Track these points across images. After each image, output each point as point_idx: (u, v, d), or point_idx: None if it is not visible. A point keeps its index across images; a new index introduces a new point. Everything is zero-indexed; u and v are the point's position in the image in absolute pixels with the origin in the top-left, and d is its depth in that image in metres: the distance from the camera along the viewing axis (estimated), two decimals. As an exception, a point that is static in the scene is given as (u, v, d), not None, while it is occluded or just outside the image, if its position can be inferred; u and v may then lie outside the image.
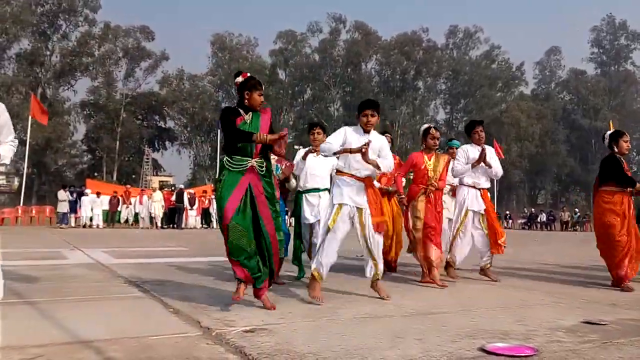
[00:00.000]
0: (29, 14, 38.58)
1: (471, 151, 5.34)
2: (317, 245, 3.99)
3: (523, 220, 34.82)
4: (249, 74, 3.69)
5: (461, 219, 5.32)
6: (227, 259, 3.50)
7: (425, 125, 5.32)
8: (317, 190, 4.93)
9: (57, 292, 4.17)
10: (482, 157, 5.19)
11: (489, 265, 5.37)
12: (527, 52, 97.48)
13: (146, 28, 45.53)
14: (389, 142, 5.85)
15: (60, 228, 18.83)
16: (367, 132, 3.98)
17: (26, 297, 3.86)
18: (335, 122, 45.56)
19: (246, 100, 3.57)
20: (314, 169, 4.93)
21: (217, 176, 3.73)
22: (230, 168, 3.45)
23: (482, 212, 5.33)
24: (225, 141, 3.56)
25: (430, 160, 5.03)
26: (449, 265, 5.40)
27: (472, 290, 4.70)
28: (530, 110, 49.84)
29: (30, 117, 23.48)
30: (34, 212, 23.54)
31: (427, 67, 50.39)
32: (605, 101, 53.78)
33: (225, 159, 3.52)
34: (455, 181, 5.73)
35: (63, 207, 19.90)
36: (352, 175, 3.91)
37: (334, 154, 3.87)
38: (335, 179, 4.01)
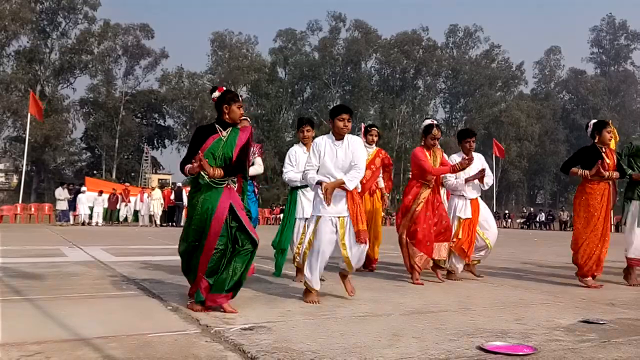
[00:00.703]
0: (28, 11, 38.48)
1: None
2: (302, 258, 3.94)
3: (522, 220, 34.83)
4: (224, 88, 3.59)
5: (455, 228, 5.26)
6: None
7: (428, 122, 5.28)
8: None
9: (56, 289, 4.17)
10: (480, 174, 5.23)
11: (475, 262, 5.45)
12: (527, 51, 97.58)
13: (146, 26, 45.49)
14: (375, 136, 5.90)
15: (60, 226, 18.83)
16: (340, 137, 3.88)
17: (25, 294, 3.86)
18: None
19: (226, 115, 3.44)
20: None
21: (191, 187, 3.53)
22: (205, 185, 3.33)
23: (466, 218, 5.30)
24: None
25: (431, 157, 5.13)
26: (450, 273, 5.32)
27: (470, 289, 4.71)
28: (530, 110, 49.87)
29: (29, 115, 23.46)
30: (32, 209, 23.52)
31: (427, 66, 50.36)
32: (604, 101, 53.84)
33: (201, 172, 3.29)
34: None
35: (61, 205, 19.87)
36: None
37: (316, 183, 3.79)
38: (316, 189, 3.85)
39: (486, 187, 5.38)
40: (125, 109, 44.76)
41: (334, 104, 50.93)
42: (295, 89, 50.48)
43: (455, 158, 5.32)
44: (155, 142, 48.98)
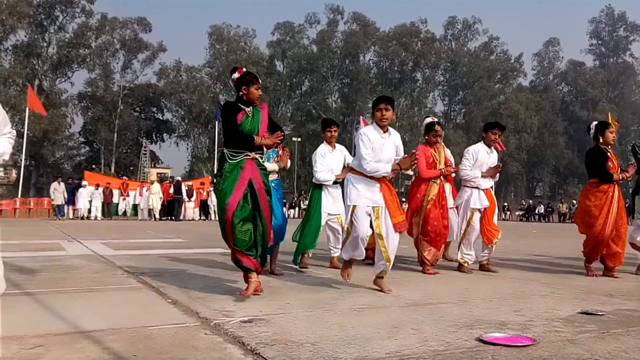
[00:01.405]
0: (25, 5, 38.26)
1: (481, 152, 5.26)
2: (342, 246, 4.10)
3: (521, 212, 34.92)
4: (245, 69, 3.75)
5: (467, 219, 5.26)
6: (223, 250, 3.52)
7: (429, 120, 5.42)
8: (337, 182, 5.13)
9: (55, 283, 4.17)
10: (496, 170, 5.28)
11: (485, 262, 5.38)
12: (526, 43, 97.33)
13: (143, 19, 45.31)
14: None
15: (58, 220, 18.84)
16: (383, 127, 3.91)
17: (25, 288, 3.87)
18: (333, 114, 45.49)
19: (244, 95, 3.63)
20: (334, 163, 5.17)
21: (216, 169, 3.81)
22: (230, 160, 3.56)
23: (483, 209, 5.28)
24: (226, 136, 3.62)
25: (436, 152, 5.31)
26: (460, 265, 5.30)
27: (469, 281, 4.71)
28: (529, 102, 49.83)
29: (27, 109, 23.38)
30: (32, 204, 23.52)
31: (426, 59, 50.23)
32: (603, 93, 53.79)
33: (225, 151, 3.59)
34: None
35: (58, 199, 19.86)
36: (368, 177, 3.87)
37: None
38: (349, 177, 3.96)
39: (495, 180, 5.48)
40: (123, 103, 44.65)
41: (333, 98, 51.01)
42: (294, 82, 50.35)
43: (479, 149, 5.30)
44: (153, 136, 48.93)
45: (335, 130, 5.19)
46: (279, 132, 3.67)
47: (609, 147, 5.18)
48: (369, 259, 5.92)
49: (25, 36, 40.87)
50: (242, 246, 3.46)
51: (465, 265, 5.24)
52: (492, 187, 5.43)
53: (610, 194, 5.05)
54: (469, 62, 51.73)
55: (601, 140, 5.14)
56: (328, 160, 5.13)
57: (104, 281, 4.35)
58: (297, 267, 5.18)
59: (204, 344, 2.40)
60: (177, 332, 2.62)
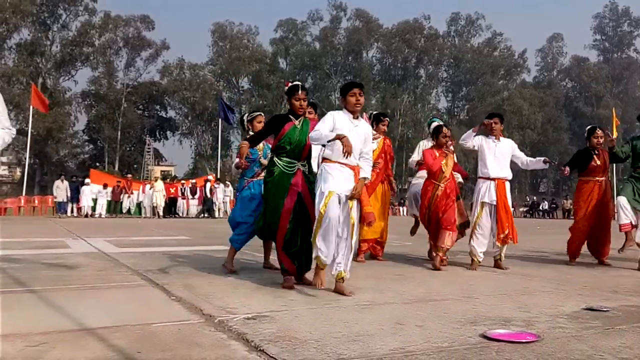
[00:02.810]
0: (28, 3, 38.30)
1: (485, 140, 5.45)
2: (314, 236, 3.67)
3: (525, 209, 34.82)
4: (290, 82, 4.01)
5: (477, 212, 5.31)
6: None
7: (435, 123, 5.55)
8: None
9: (60, 280, 4.19)
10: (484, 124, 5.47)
11: (497, 257, 5.36)
12: (529, 39, 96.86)
13: (146, 17, 45.26)
14: (385, 125, 5.99)
15: (59, 217, 18.92)
16: (355, 114, 3.75)
17: (29, 285, 3.88)
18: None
19: (290, 107, 3.91)
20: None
21: (266, 172, 4.07)
22: (282, 169, 3.84)
23: (494, 203, 5.25)
24: (273, 145, 3.98)
25: (440, 156, 5.38)
26: (472, 261, 5.30)
27: (472, 277, 4.71)
28: (533, 98, 49.58)
29: (31, 107, 23.46)
30: (36, 202, 23.63)
31: (429, 55, 50.02)
32: (607, 88, 53.47)
33: (275, 159, 3.89)
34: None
35: (60, 197, 19.98)
36: (342, 163, 3.66)
37: (328, 141, 3.58)
38: (323, 167, 3.72)
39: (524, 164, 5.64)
40: (126, 100, 44.68)
41: (335, 95, 50.82)
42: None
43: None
44: (157, 133, 48.95)
45: (309, 112, 4.58)
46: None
47: (597, 150, 5.80)
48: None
49: (28, 35, 40.97)
50: (286, 248, 3.80)
51: (476, 262, 5.24)
52: (506, 181, 5.38)
53: (596, 191, 5.71)
54: (473, 58, 51.52)
55: (588, 143, 5.89)
56: None
57: (109, 279, 4.36)
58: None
59: (208, 341, 2.40)
60: (182, 329, 2.63)
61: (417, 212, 6.01)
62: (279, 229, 3.77)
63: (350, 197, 3.64)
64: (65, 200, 20.12)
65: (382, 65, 51.69)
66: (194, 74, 47.23)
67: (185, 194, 21.96)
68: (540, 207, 33.92)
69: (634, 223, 5.38)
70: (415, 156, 6.15)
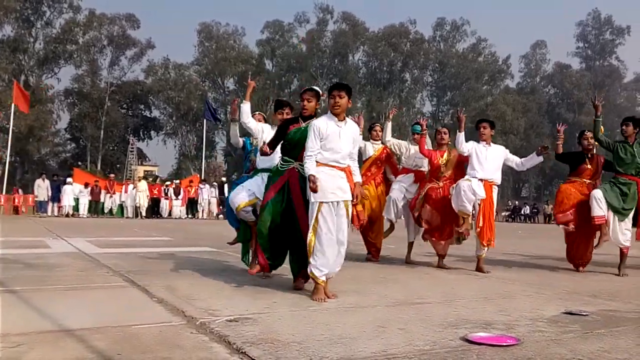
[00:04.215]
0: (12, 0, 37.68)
1: (477, 146, 5.51)
2: (310, 250, 3.61)
3: (507, 213, 35.22)
4: (307, 87, 4.08)
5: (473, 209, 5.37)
6: (210, 248, 3.50)
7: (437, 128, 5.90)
8: None
9: (40, 281, 4.11)
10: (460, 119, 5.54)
11: (480, 255, 5.41)
12: (513, 45, 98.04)
13: (132, 16, 44.76)
14: (379, 132, 6.08)
15: (40, 217, 18.60)
16: (338, 116, 3.72)
17: (8, 285, 3.80)
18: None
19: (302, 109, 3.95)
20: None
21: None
22: (278, 167, 3.96)
23: (479, 201, 5.23)
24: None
25: (442, 157, 5.55)
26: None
27: (454, 280, 4.75)
28: (516, 104, 50.25)
29: (13, 105, 23.03)
30: (16, 200, 23.17)
31: (414, 59, 50.37)
32: (589, 95, 54.34)
33: (279, 160, 4.01)
34: (418, 164, 6.05)
35: (41, 196, 19.70)
36: (331, 166, 3.64)
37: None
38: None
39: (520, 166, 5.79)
40: (110, 99, 44.13)
41: (321, 97, 50.86)
42: (283, 81, 50.17)
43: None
44: (141, 133, 48.41)
45: (287, 113, 4.65)
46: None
47: (589, 152, 5.76)
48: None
49: (11, 31, 40.17)
50: (259, 238, 3.83)
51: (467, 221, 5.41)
52: (494, 185, 5.43)
53: (583, 191, 5.59)
54: (457, 63, 52.02)
55: (580, 147, 5.85)
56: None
57: (89, 279, 4.30)
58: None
59: (190, 343, 2.38)
60: (163, 330, 2.60)
61: (393, 218, 5.96)
62: (261, 221, 3.81)
63: (355, 204, 3.98)
64: (46, 199, 19.82)
65: (368, 69, 51.90)
66: (179, 73, 46.86)
67: (169, 195, 21.77)
68: (522, 212, 34.36)
69: (607, 218, 5.30)
70: (403, 156, 6.24)
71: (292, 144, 3.87)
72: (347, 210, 3.67)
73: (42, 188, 19.80)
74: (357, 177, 3.84)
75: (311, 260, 3.57)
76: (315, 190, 3.51)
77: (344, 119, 3.77)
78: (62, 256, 5.96)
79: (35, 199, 20.27)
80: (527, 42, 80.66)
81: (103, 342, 2.34)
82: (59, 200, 20.18)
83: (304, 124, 3.88)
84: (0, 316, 2.85)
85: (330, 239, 3.56)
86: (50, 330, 2.57)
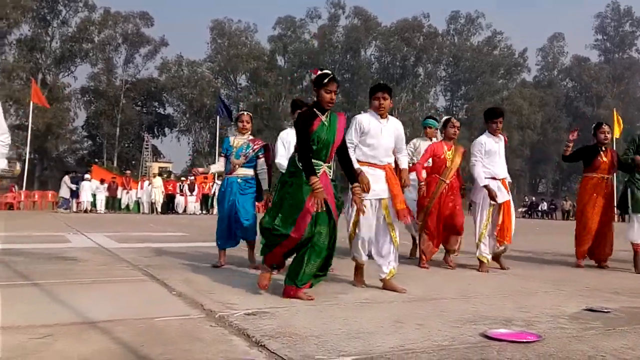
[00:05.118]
0: (29, -1, 38.25)
1: (488, 143, 5.12)
2: (350, 241, 3.91)
3: (524, 209, 34.83)
4: (319, 70, 3.50)
5: (487, 215, 5.06)
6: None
7: (445, 117, 5.54)
8: None
9: (62, 274, 4.20)
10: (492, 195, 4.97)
11: (499, 252, 5.22)
12: (530, 38, 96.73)
13: (145, 14, 45.14)
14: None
15: (61, 212, 18.94)
16: (382, 116, 3.91)
17: (32, 279, 3.89)
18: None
19: (317, 99, 3.46)
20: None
21: (286, 172, 3.62)
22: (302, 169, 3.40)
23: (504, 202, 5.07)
24: (299, 145, 3.42)
25: (449, 151, 5.23)
26: (482, 263, 5.10)
27: (471, 277, 4.71)
28: (533, 98, 49.57)
29: (31, 103, 23.40)
30: (36, 197, 23.63)
31: (428, 54, 49.93)
32: (608, 89, 53.48)
33: (297, 158, 3.39)
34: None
35: (65, 192, 20.11)
36: (371, 164, 3.82)
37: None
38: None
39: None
40: (125, 97, 44.60)
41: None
42: (295, 77, 50.16)
43: (485, 141, 5.15)
44: (155, 130, 48.86)
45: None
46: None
47: (604, 145, 5.65)
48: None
49: (29, 30, 40.80)
50: (297, 250, 3.43)
51: (486, 263, 5.05)
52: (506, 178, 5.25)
53: (600, 188, 5.54)
54: (472, 57, 51.44)
55: (595, 139, 5.71)
56: (292, 145, 4.66)
57: (110, 273, 4.37)
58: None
59: (210, 336, 2.41)
60: (183, 323, 2.64)
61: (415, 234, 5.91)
62: (295, 227, 3.31)
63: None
64: (68, 196, 20.33)
65: (381, 64, 51.61)
66: (192, 70, 47.13)
67: (184, 191, 21.96)
68: (539, 208, 33.92)
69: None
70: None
71: (321, 142, 3.39)
72: (385, 208, 3.80)
73: (66, 185, 20.36)
74: (404, 164, 4.09)
75: (352, 247, 3.89)
76: (368, 190, 3.63)
77: (387, 116, 3.95)
78: (82, 251, 6.07)
79: (60, 195, 20.75)
80: (544, 34, 79.43)
81: (126, 334, 2.39)
82: (77, 197, 20.52)
83: (324, 118, 3.43)
84: (25, 309, 2.91)
85: (367, 235, 3.81)
86: (74, 322, 2.62)
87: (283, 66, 49.92)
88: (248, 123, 4.96)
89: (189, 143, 49.68)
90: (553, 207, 33.51)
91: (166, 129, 49.33)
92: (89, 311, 2.82)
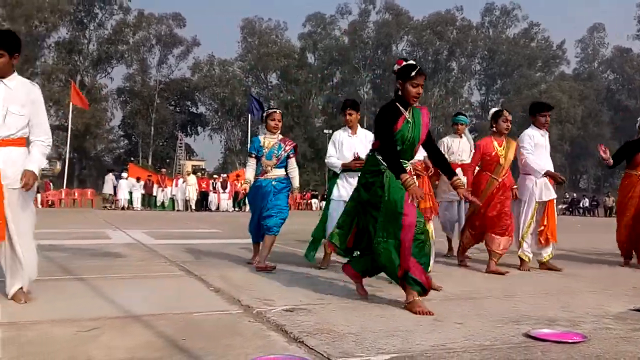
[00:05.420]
0: (66, 3, 39.49)
1: (536, 136, 4.88)
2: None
3: (564, 206, 33.81)
4: (405, 61, 3.19)
5: (532, 212, 4.84)
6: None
7: (495, 109, 5.03)
8: (355, 170, 4.64)
9: (104, 269, 4.33)
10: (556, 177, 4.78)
11: (546, 258, 4.95)
12: (568, 29, 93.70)
13: (178, 15, 46.12)
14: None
15: (109, 209, 19.87)
16: (350, 128, 4.40)
17: (76, 274, 4.01)
18: (365, 106, 45.19)
19: (401, 92, 3.13)
20: (352, 148, 4.66)
21: (366, 171, 3.25)
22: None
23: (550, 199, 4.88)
24: (382, 144, 3.12)
25: (500, 147, 4.73)
26: (523, 262, 4.89)
27: (512, 276, 4.59)
28: (572, 91, 48.06)
29: (71, 104, 24.17)
30: (76, 194, 24.44)
31: (461, 47, 49.12)
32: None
33: (378, 157, 3.11)
34: (463, 158, 5.71)
35: (109, 189, 21.08)
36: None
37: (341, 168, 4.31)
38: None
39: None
40: (159, 97, 45.66)
41: (364, 89, 50.61)
42: (325, 74, 50.16)
43: (534, 134, 4.86)
44: (188, 129, 49.84)
45: (349, 114, 4.67)
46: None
47: None
48: None
49: (66, 33, 42.30)
50: (418, 255, 2.99)
51: (528, 261, 4.86)
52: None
53: (638, 186, 5.33)
54: (508, 50, 50.27)
55: (638, 134, 5.54)
56: (343, 145, 4.63)
57: (149, 269, 4.48)
58: (309, 261, 4.67)
59: (249, 331, 2.44)
60: (222, 318, 2.68)
61: (450, 234, 5.83)
62: (405, 239, 2.95)
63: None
64: (112, 193, 21.17)
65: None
66: (223, 70, 47.81)
67: (217, 189, 22.30)
68: (580, 205, 32.87)
69: None
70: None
71: (406, 141, 3.10)
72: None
73: (109, 183, 21.19)
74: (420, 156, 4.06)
75: None
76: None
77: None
78: (122, 247, 6.24)
79: (105, 191, 21.56)
80: (584, 25, 76.89)
81: (168, 328, 2.44)
82: (115, 194, 21.20)
83: (408, 114, 3.11)
84: (72, 302, 3.01)
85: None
86: (118, 316, 2.70)
87: (313, 63, 50.00)
88: (280, 122, 4.74)
89: (221, 141, 50.52)
90: (595, 203, 32.43)
91: (199, 128, 50.28)
92: (131, 305, 2.90)
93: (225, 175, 24.48)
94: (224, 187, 22.36)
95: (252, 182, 4.59)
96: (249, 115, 29.31)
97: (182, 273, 4.25)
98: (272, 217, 4.47)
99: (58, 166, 39.72)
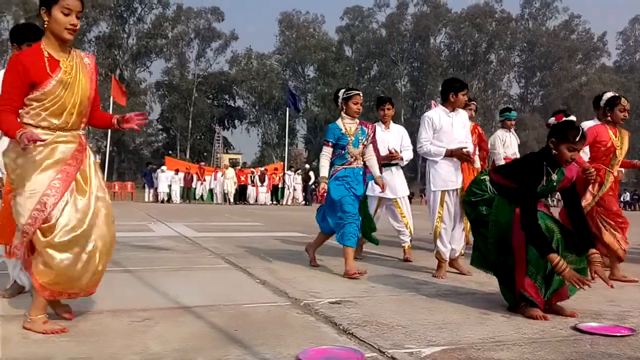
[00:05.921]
0: (106, -2, 40.64)
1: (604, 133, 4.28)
2: (434, 233, 4.00)
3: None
4: (565, 116, 2.82)
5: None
6: (299, 234, 3.58)
7: (610, 94, 4.32)
8: (388, 165, 4.75)
9: (150, 261, 4.48)
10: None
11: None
12: (610, 21, 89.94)
13: (217, 9, 46.73)
14: (473, 110, 5.47)
15: (161, 203, 20.43)
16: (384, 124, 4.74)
17: (124, 265, 4.16)
18: (402, 99, 44.75)
19: (554, 151, 2.73)
20: (386, 143, 4.73)
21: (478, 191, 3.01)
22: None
23: None
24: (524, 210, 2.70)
25: (616, 137, 4.18)
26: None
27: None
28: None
29: (111, 98, 24.89)
30: (116, 187, 25.18)
31: (500, 40, 47.95)
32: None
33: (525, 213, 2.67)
34: (515, 151, 5.77)
35: (151, 182, 21.75)
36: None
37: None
38: (430, 162, 4.04)
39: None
40: (197, 90, 46.42)
41: (402, 82, 50.10)
42: (362, 67, 49.92)
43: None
44: (225, 122, 50.53)
45: (388, 109, 4.91)
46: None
47: None
48: None
49: (106, 28, 43.49)
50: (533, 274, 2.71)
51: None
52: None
53: None
54: (548, 42, 48.76)
55: None
56: (377, 140, 4.38)
57: (194, 261, 4.61)
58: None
59: (298, 322, 2.51)
60: (271, 310, 2.75)
61: None
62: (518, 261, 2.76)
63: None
64: (154, 186, 21.75)
65: (451, 51, 50.17)
66: (261, 63, 48.19)
67: (255, 182, 22.56)
68: (622, 199, 31.70)
69: None
70: (500, 149, 5.88)
71: (539, 197, 2.89)
72: (460, 196, 3.94)
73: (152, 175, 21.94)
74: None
75: (437, 241, 3.96)
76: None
77: (454, 109, 4.06)
78: (165, 239, 6.42)
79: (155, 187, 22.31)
80: (625, 17, 73.63)
81: (219, 319, 2.53)
82: (154, 187, 21.76)
83: (555, 176, 2.80)
84: (123, 293, 3.15)
85: (449, 225, 3.98)
86: (169, 307, 2.80)
87: (351, 56, 49.81)
88: (362, 105, 4.14)
89: (258, 134, 51.04)
90: (636, 197, 31.25)
91: (236, 121, 50.90)
92: (181, 297, 3.00)
93: (263, 168, 24.73)
94: (262, 181, 22.61)
95: (327, 175, 4.01)
96: (287, 109, 29.50)
97: (227, 266, 4.35)
98: (351, 224, 3.90)
99: (97, 159, 41.07)
